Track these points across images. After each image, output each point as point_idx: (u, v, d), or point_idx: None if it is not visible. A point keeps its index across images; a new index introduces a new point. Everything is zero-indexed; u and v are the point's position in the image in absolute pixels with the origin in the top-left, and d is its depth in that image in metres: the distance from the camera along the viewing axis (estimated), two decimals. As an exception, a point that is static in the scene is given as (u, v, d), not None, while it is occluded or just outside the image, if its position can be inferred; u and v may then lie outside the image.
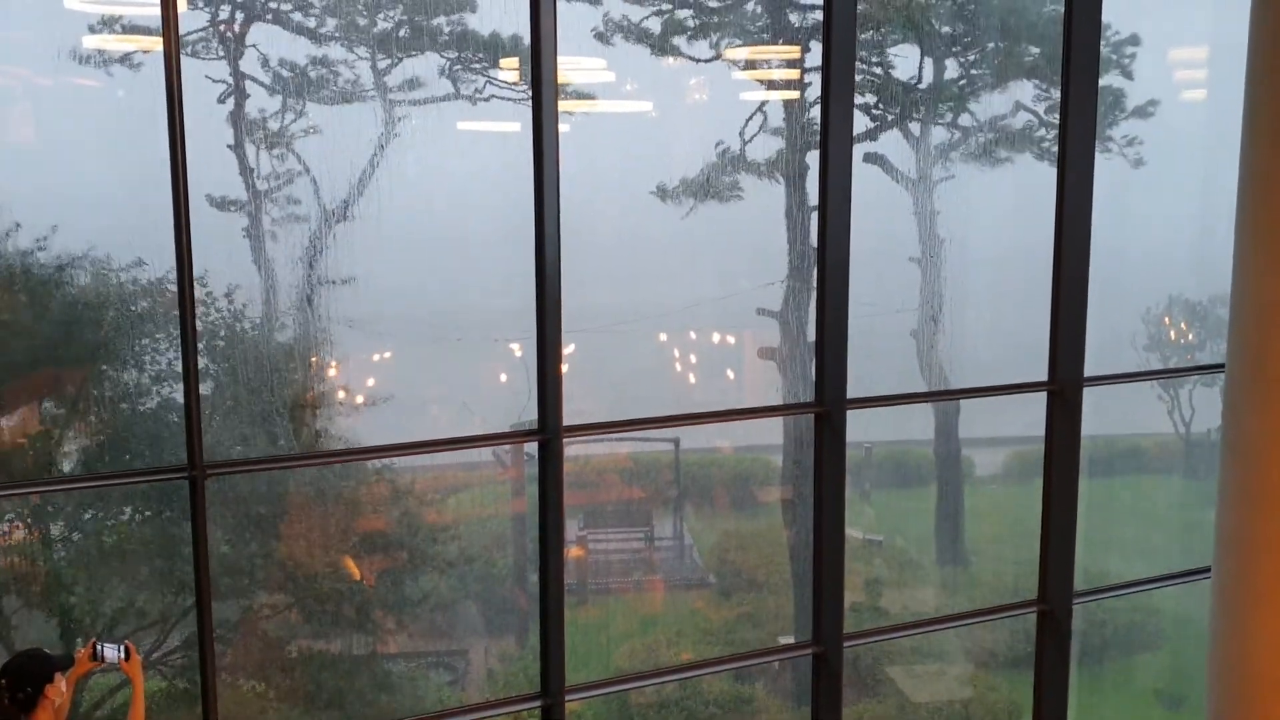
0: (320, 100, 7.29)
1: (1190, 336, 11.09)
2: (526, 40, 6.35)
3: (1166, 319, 10.97)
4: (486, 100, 7.64)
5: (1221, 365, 7.15)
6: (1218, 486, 7.05)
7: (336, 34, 7.22)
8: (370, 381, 7.92)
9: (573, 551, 9.04)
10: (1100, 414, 9.17)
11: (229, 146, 7.19)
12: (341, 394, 7.74)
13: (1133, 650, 10.84)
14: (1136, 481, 11.46)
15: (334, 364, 7.69)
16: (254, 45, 7.14)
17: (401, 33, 7.43)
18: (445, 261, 8.13)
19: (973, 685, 9.93)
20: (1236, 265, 6.85)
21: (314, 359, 7.57)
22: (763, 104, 8.75)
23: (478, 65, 7.58)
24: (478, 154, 7.80)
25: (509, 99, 7.60)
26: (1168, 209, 10.30)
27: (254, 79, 7.19)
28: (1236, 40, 6.76)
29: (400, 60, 7.41)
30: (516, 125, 7.03)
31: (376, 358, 8.01)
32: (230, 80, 7.09)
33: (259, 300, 7.38)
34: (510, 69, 7.54)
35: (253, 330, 7.46)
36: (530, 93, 6.39)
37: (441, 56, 7.51)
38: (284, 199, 7.39)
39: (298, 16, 7.13)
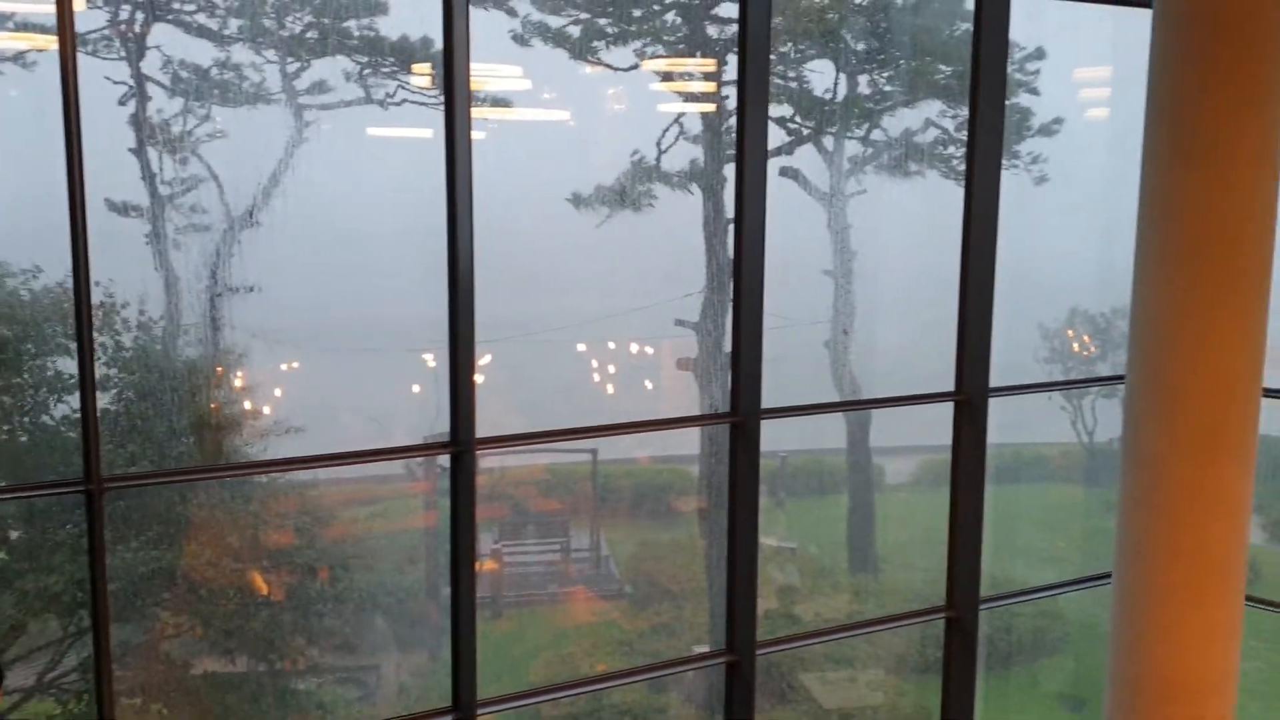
0: (226, 103, 7.12)
1: (1092, 349, 11.39)
2: (439, 45, 6.28)
3: (1069, 331, 11.25)
4: (398, 105, 7.53)
5: (1122, 377, 7.35)
6: (1119, 494, 7.24)
7: (242, 36, 7.06)
8: (278, 392, 7.75)
9: (487, 564, 8.95)
10: (1006, 424, 9.37)
11: (130, 150, 6.98)
12: (247, 405, 7.56)
13: (1038, 655, 11.08)
14: (1041, 489, 11.74)
15: (240, 375, 7.51)
16: (157, 46, 6.94)
17: (310, 35, 7.29)
18: (356, 270, 7.99)
19: (883, 691, 10.05)
20: (1136, 279, 7.06)
21: (219, 370, 7.38)
22: (680, 115, 8.78)
23: (389, 70, 7.48)
24: (389, 160, 7.69)
25: (421, 104, 7.51)
26: (1071, 224, 10.57)
27: (156, 81, 7.00)
28: (1138, 61, 6.97)
29: (309, 64, 7.27)
30: (429, 132, 6.94)
31: (284, 368, 7.84)
32: (131, 82, 6.89)
33: (161, 309, 7.17)
34: (423, 74, 7.45)
35: (155, 340, 7.25)
36: (443, 99, 6.31)
37: (352, 60, 7.39)
38: (188, 205, 7.20)
39: (201, 18, 6.96)
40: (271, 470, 7.56)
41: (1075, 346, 11.34)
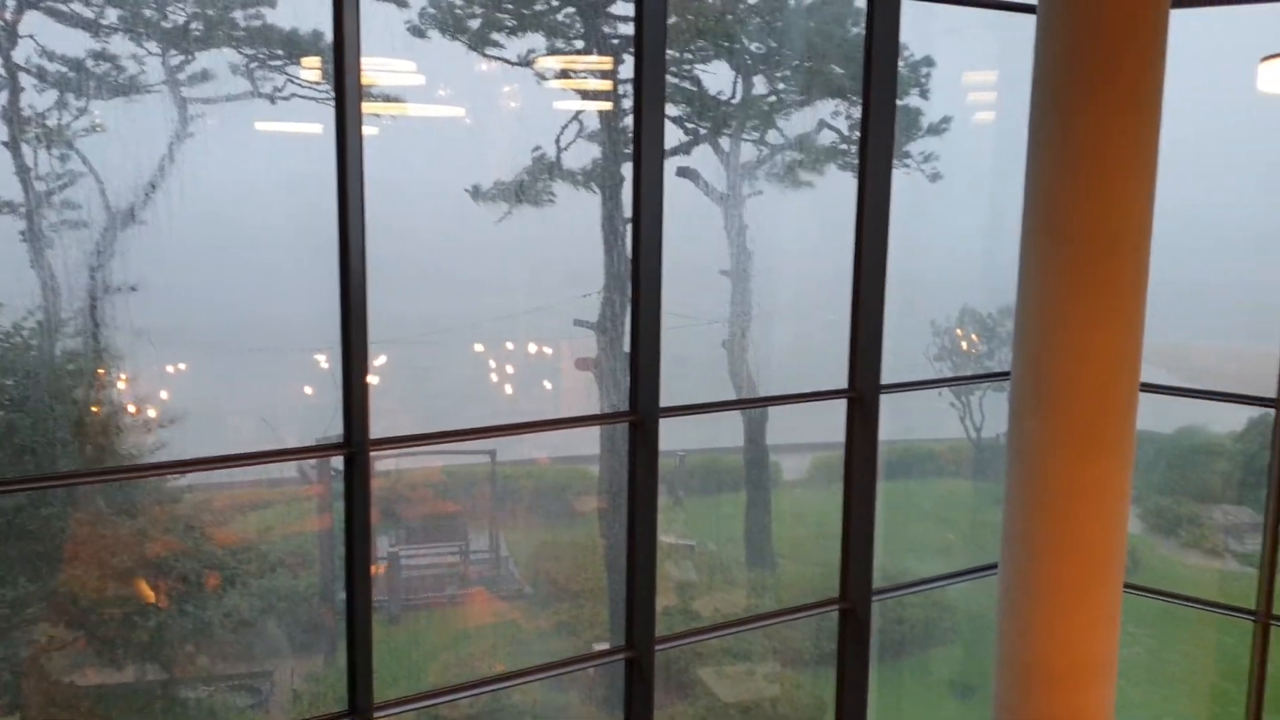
0: (105, 97, 6.87)
1: (981, 347, 11.69)
2: (329, 38, 6.15)
3: (959, 330, 11.53)
4: (287, 100, 7.36)
5: (1008, 374, 7.55)
6: (1005, 488, 7.45)
7: (121, 26, 6.81)
8: (164, 395, 7.52)
9: (384, 567, 8.82)
10: (897, 420, 9.57)
11: (2, 144, 6.69)
12: (131, 408, 7.32)
13: (928, 644, 11.34)
14: (931, 484, 12.01)
15: (123, 377, 7.26)
16: (30, 36, 6.67)
17: (194, 26, 7.07)
18: (244, 268, 7.79)
19: (780, 683, 10.19)
20: (1020, 279, 7.26)
21: (100, 372, 7.13)
22: (578, 113, 8.76)
23: (276, 63, 7.30)
24: (278, 156, 7.52)
25: (311, 99, 7.35)
26: (960, 225, 10.83)
27: (29, 72, 6.72)
28: (1023, 66, 7.17)
29: (193, 56, 7.06)
30: (319, 127, 6.80)
31: (170, 370, 7.60)
32: (2, 72, 6.60)
33: (38, 308, 6.89)
34: (312, 68, 7.30)
35: (32, 340, 6.97)
36: (333, 93, 6.19)
37: (239, 53, 7.20)
38: (65, 201, 6.93)
39: (77, 6, 6.70)
40: (157, 474, 7.34)
41: (964, 345, 11.63)
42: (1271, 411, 8.85)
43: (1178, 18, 7.10)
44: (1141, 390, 7.36)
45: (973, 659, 11.13)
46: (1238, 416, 12.61)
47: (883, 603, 9.65)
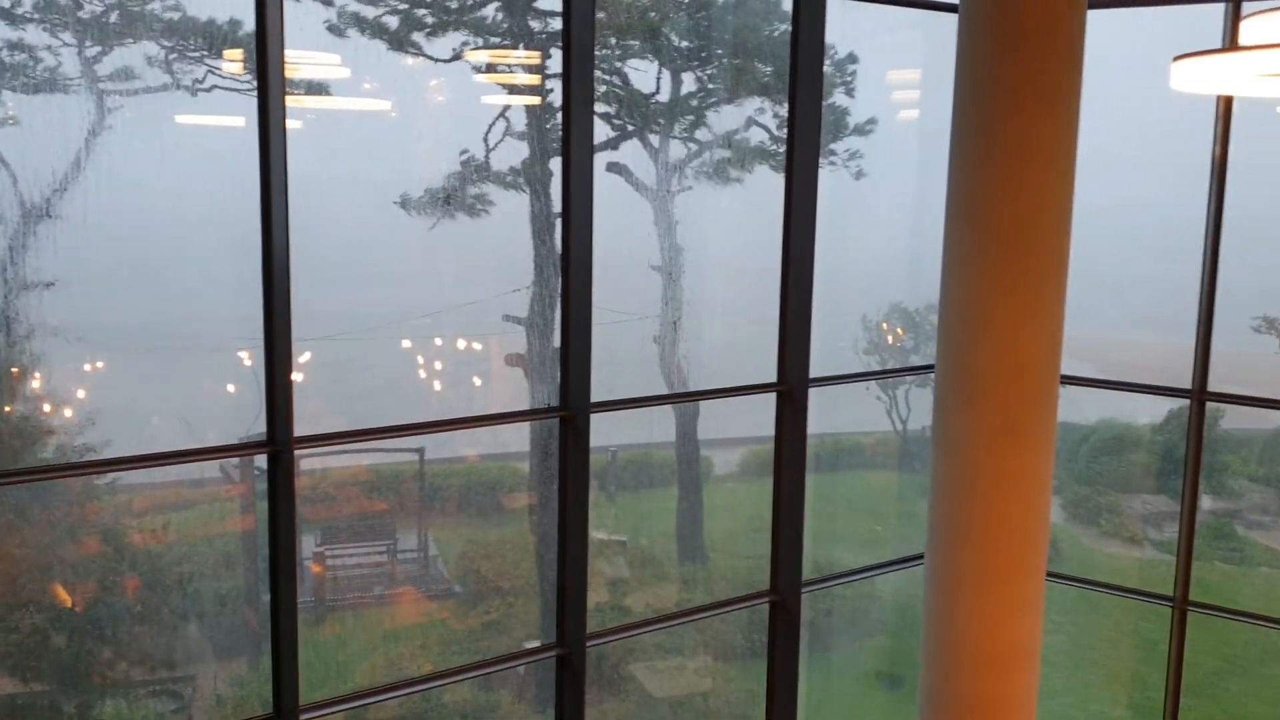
0: (18, 88, 6.68)
1: (906, 341, 11.87)
2: (250, 28, 6.05)
3: (884, 324, 11.69)
4: (208, 92, 7.22)
5: (933, 367, 7.67)
6: (930, 479, 7.57)
7: (36, 16, 6.63)
8: (80, 394, 7.33)
9: (310, 568, 8.69)
10: (826, 413, 9.67)
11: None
12: (46, 408, 7.12)
13: (858, 635, 11.48)
14: (859, 477, 12.16)
15: (38, 376, 7.07)
16: (-63, 24, 6.47)
17: (112, 17, 6.90)
18: (165, 264, 7.62)
19: (711, 677, 10.24)
20: (944, 274, 7.38)
21: (14, 371, 6.93)
22: (506, 108, 8.71)
23: (196, 54, 7.15)
24: (199, 149, 7.36)
25: (233, 91, 7.22)
26: (886, 221, 10.98)
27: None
28: (946, 65, 7.28)
29: (111, 47, 6.89)
30: (241, 120, 6.68)
31: (88, 368, 7.42)
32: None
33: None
34: (234, 60, 7.17)
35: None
36: (256, 85, 6.09)
37: (158, 44, 7.04)
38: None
39: (-14, -6, 6.51)
40: (74, 475, 7.15)
41: (891, 339, 11.79)
42: (1188, 403, 9.09)
43: (1095, 18, 7.27)
44: (1062, 382, 7.52)
45: (901, 649, 11.29)
46: (1156, 408, 12.95)
47: (812, 595, 9.75)
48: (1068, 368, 7.84)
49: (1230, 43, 8.29)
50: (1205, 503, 12.89)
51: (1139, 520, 13.19)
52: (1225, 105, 8.58)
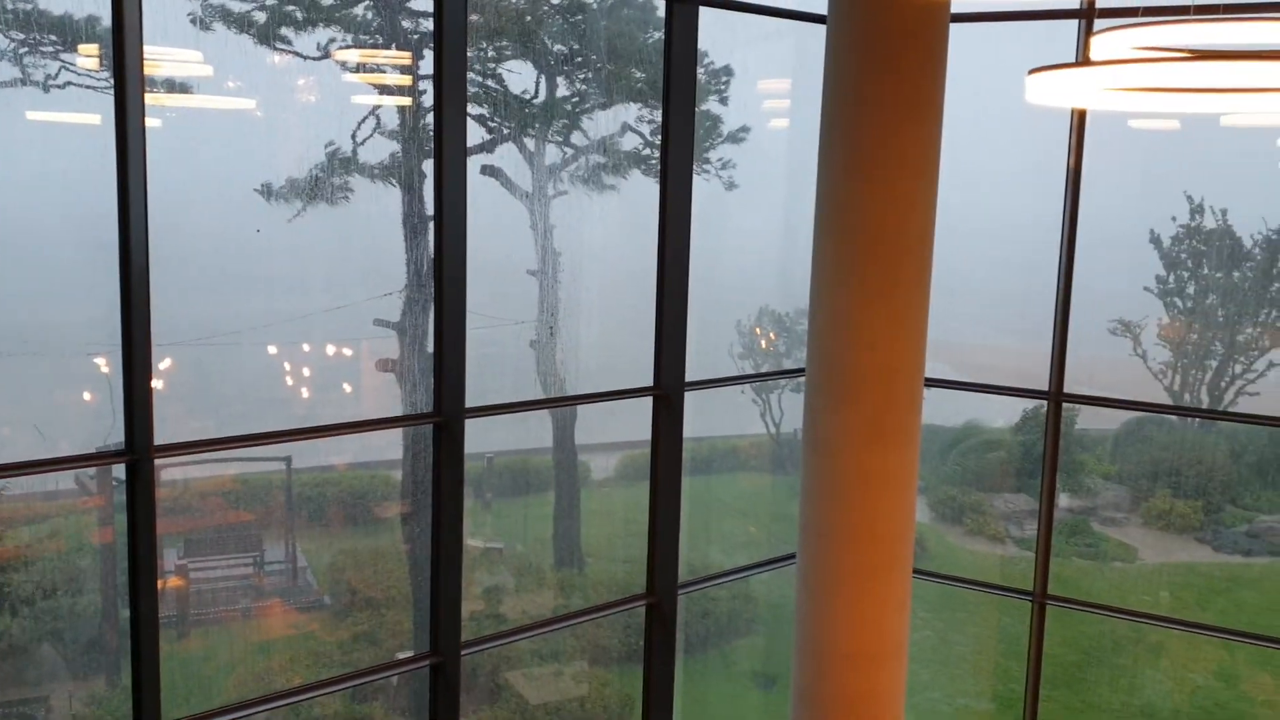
0: None
1: (779, 346, 12.07)
2: (107, 23, 5.82)
3: (758, 329, 11.87)
4: (62, 88, 6.92)
5: (804, 370, 7.82)
6: (801, 480, 7.71)
7: None
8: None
9: (172, 581, 8.39)
10: (702, 417, 9.77)
11: None
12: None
13: (733, 636, 11.61)
14: (734, 479, 12.31)
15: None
16: None
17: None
18: (15, 266, 7.27)
19: (588, 682, 10.23)
20: (813, 280, 7.53)
21: None
22: (376, 108, 8.56)
23: (50, 49, 6.85)
24: (53, 147, 7.05)
25: (89, 87, 6.93)
26: (759, 228, 11.15)
27: None
28: (816, 74, 7.43)
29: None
30: (97, 117, 6.43)
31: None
32: None
33: None
34: (90, 55, 6.88)
35: None
36: (113, 82, 5.86)
37: (7, 38, 6.72)
38: None
39: None
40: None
41: (764, 344, 11.98)
42: (1045, 404, 9.45)
43: (957, 32, 7.51)
44: (926, 385, 7.75)
45: (774, 649, 11.46)
46: (1016, 409, 13.45)
47: (688, 596, 9.83)
48: (932, 371, 8.08)
49: (1082, 57, 8.68)
50: (1062, 501, 13.42)
51: (1001, 519, 13.66)
52: (1079, 117, 8.96)
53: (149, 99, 6.04)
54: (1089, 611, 10.72)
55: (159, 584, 6.45)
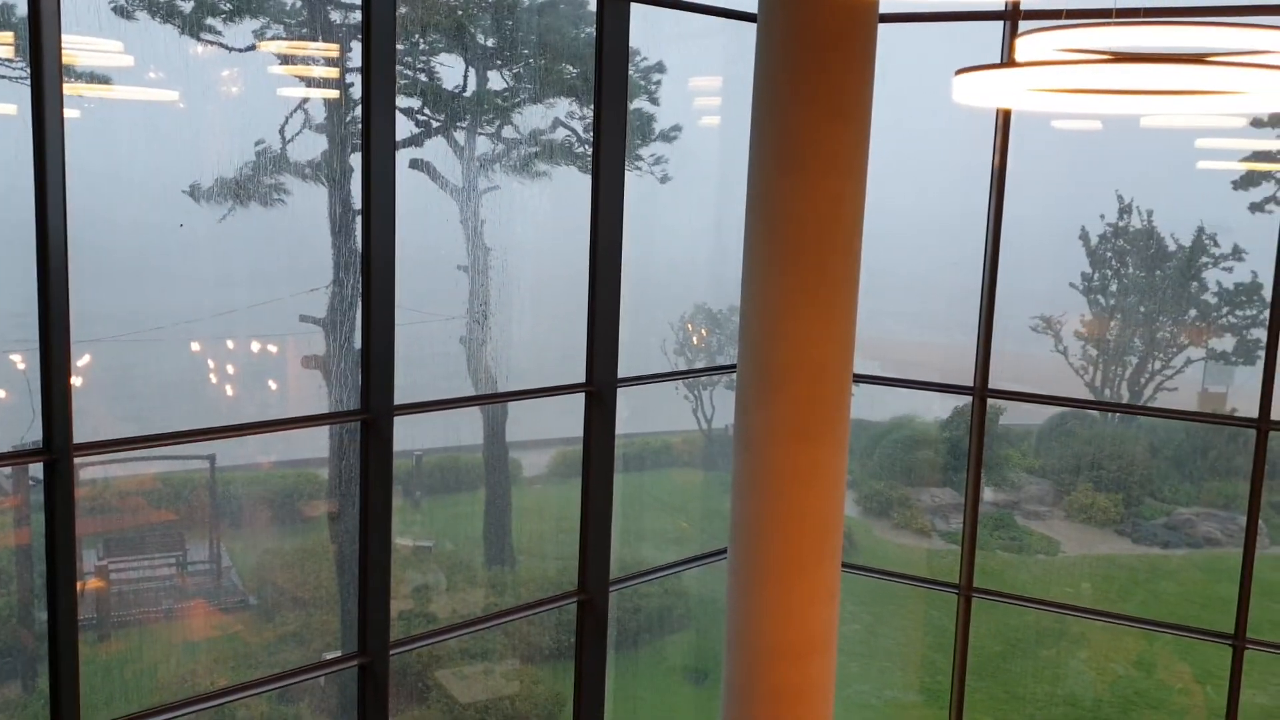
0: None
1: (711, 342, 12.13)
2: (23, 11, 5.66)
3: (690, 325, 11.91)
4: (-26, 77, 6.70)
5: (734, 367, 7.86)
6: (731, 476, 7.75)
7: None
8: None
9: (91, 582, 8.18)
10: (635, 413, 9.77)
11: None
12: None
13: (664, 632, 11.65)
14: (666, 475, 12.34)
15: None
16: None
17: None
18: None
19: (519, 680, 10.19)
20: (745, 278, 7.58)
21: None
22: (303, 101, 8.42)
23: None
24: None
25: (4, 78, 6.72)
26: (691, 225, 11.18)
27: None
28: (746, 72, 7.46)
29: None
30: (13, 108, 6.24)
31: None
32: None
33: None
34: (5, 44, 6.68)
35: None
36: (29, 72, 5.70)
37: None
38: None
39: None
40: None
41: (695, 340, 12.02)
42: (970, 399, 9.61)
43: (885, 31, 7.60)
44: (855, 381, 7.83)
45: (706, 644, 11.51)
46: (943, 405, 13.67)
47: (620, 593, 9.83)
48: (861, 368, 8.17)
49: (1007, 58, 8.84)
50: (987, 495, 13.67)
51: (927, 512, 13.87)
52: (1004, 117, 9.12)
53: (68, 89, 5.89)
54: (1013, 604, 10.94)
55: (78, 586, 6.29)
